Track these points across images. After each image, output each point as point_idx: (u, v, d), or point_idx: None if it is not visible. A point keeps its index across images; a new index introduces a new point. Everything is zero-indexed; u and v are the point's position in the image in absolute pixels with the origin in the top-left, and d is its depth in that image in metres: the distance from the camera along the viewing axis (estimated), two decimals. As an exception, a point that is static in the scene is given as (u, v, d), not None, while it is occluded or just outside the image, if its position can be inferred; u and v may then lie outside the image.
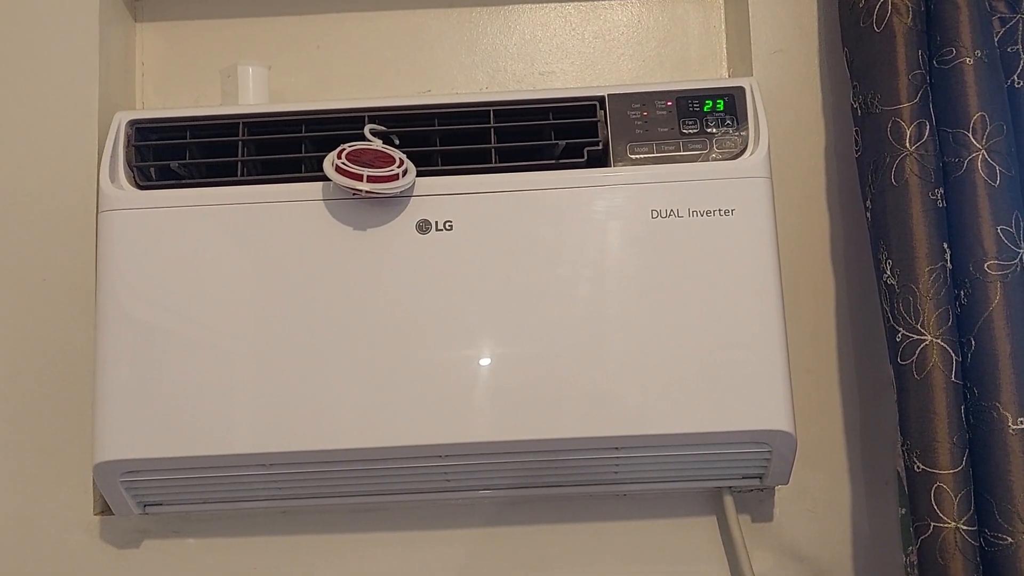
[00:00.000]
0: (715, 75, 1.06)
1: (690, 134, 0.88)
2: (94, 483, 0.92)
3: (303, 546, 0.94)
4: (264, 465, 0.84)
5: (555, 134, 0.89)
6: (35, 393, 0.94)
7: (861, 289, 0.94)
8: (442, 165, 0.88)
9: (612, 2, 1.07)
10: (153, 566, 0.93)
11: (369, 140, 0.87)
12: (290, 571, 0.93)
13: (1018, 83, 0.83)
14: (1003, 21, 0.84)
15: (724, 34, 1.06)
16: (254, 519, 0.94)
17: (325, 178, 0.84)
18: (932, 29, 0.83)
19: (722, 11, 1.07)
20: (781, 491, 0.93)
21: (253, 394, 0.83)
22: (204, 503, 0.89)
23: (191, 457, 0.83)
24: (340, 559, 0.94)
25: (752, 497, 0.93)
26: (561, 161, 0.88)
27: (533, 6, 1.07)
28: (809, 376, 0.94)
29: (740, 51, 1.02)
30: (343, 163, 0.82)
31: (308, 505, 0.91)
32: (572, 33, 1.07)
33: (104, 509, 0.93)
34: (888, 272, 0.81)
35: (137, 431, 0.83)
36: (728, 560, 0.92)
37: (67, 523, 0.93)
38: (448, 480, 0.87)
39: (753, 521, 0.93)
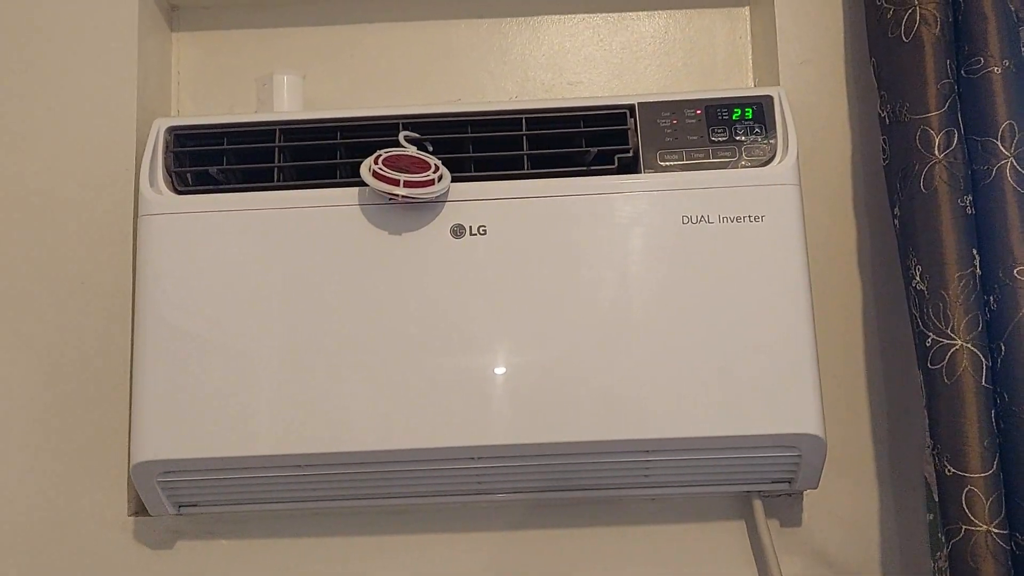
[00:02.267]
0: (741, 85, 1.08)
1: (719, 142, 0.89)
2: (129, 484, 0.94)
3: (334, 547, 0.95)
4: (297, 466, 0.85)
5: (586, 141, 0.90)
6: (72, 395, 0.95)
7: (889, 295, 0.95)
8: (475, 172, 0.90)
9: (639, 13, 1.09)
10: (186, 566, 0.94)
11: (404, 147, 0.88)
12: (321, 572, 0.94)
13: (1045, 92, 0.84)
14: (1030, 31, 0.85)
15: (750, 45, 1.08)
16: (285, 520, 0.95)
17: (360, 183, 0.86)
18: (960, 39, 0.84)
19: (748, 22, 1.08)
20: (809, 496, 0.94)
21: (287, 396, 0.84)
22: (237, 504, 0.90)
23: (226, 458, 0.85)
24: (370, 560, 0.94)
25: (781, 502, 0.94)
26: (592, 168, 0.89)
27: (561, 17, 1.09)
28: (837, 382, 0.95)
29: (767, 61, 1.03)
30: (380, 168, 0.84)
31: (339, 507, 0.92)
32: (600, 44, 1.09)
33: (139, 510, 0.95)
34: (917, 278, 0.82)
35: (174, 432, 0.84)
36: (757, 565, 0.93)
37: (102, 523, 0.94)
38: (479, 483, 0.88)
39: (782, 526, 0.94)
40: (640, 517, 0.94)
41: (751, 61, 1.08)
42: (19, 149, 0.99)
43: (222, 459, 0.85)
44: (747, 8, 1.08)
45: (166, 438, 0.84)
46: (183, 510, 0.90)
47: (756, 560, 0.93)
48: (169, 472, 0.86)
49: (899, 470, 0.93)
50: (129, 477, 0.89)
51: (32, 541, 0.94)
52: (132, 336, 0.92)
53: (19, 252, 0.97)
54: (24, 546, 0.94)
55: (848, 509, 0.93)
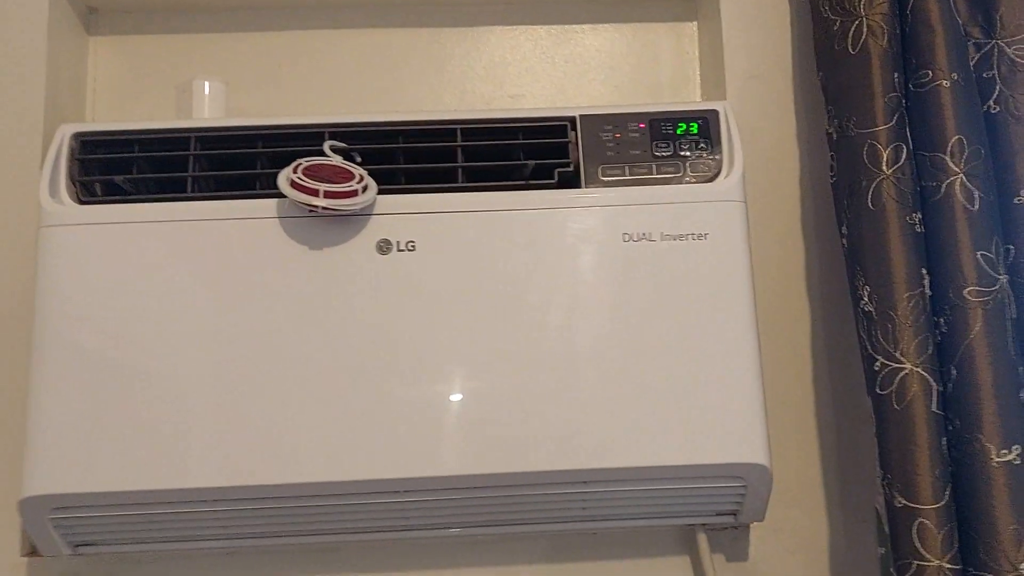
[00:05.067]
0: (688, 100, 1.04)
1: (663, 157, 0.85)
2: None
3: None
4: (203, 501, 0.78)
5: (525, 154, 0.86)
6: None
7: (839, 317, 0.92)
8: (406, 184, 0.84)
9: (584, 26, 1.05)
10: (85, 611, 0.86)
11: (329, 156, 0.83)
12: (235, 616, 0.87)
13: (994, 108, 0.82)
14: (978, 47, 0.83)
15: (697, 59, 1.05)
16: (196, 560, 0.88)
17: (280, 195, 0.80)
18: (908, 52, 0.82)
19: (695, 36, 1.05)
20: (756, 529, 0.89)
21: (199, 425, 0.78)
22: (141, 543, 0.83)
23: (129, 492, 0.77)
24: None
25: (727, 535, 0.89)
26: (531, 182, 0.85)
27: (503, 28, 1.05)
28: (785, 408, 0.91)
29: (714, 76, 1.00)
30: (299, 178, 0.78)
31: (256, 545, 0.85)
32: (543, 56, 1.05)
33: (33, 550, 0.86)
34: (865, 298, 0.78)
35: (70, 464, 0.77)
36: (701, 603, 0.88)
37: (-8, 565, 0.86)
38: (407, 518, 0.82)
39: (728, 560, 0.89)
40: (581, 553, 0.89)
41: (699, 76, 1.05)
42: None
43: (122, 493, 0.78)
44: (695, 23, 1.06)
45: (60, 470, 0.77)
46: (79, 550, 0.82)
47: (701, 597, 0.88)
48: (62, 508, 0.78)
49: (849, 502, 0.89)
50: (22, 513, 0.81)
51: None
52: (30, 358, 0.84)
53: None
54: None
55: (797, 542, 0.89)
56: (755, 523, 0.87)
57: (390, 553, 0.89)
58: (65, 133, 0.85)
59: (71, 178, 0.84)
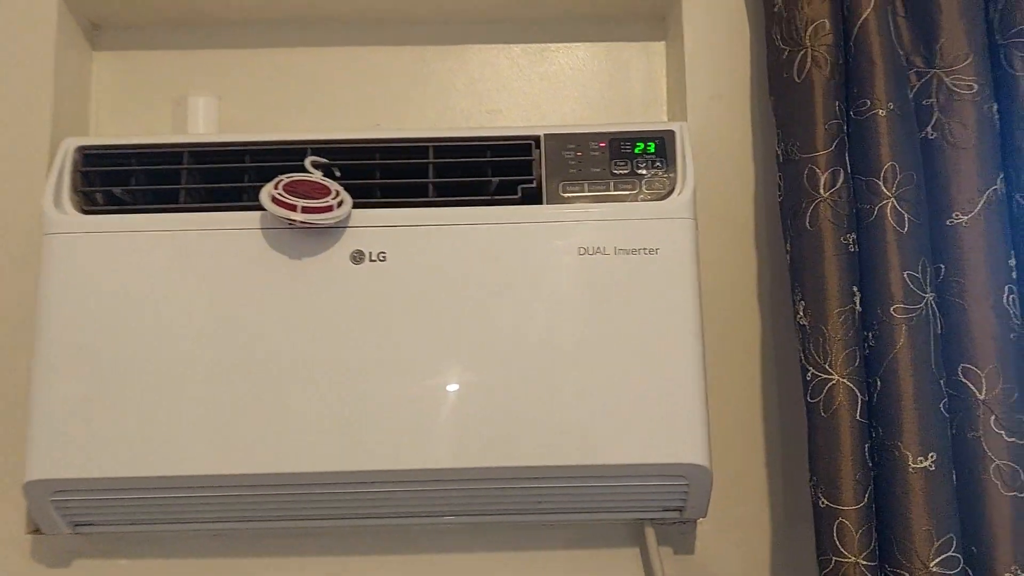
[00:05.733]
0: (656, 118, 1.10)
1: (621, 175, 0.91)
2: (28, 501, 0.94)
3: (234, 569, 0.95)
4: (189, 488, 0.85)
5: (493, 170, 0.92)
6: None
7: (785, 329, 0.97)
8: (382, 198, 0.91)
9: (558, 45, 1.11)
10: (84, 586, 0.94)
11: (310, 172, 0.89)
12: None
13: (931, 134, 0.87)
14: (919, 75, 0.88)
15: (665, 79, 1.10)
16: (185, 541, 0.95)
17: (263, 207, 0.87)
18: (850, 81, 0.87)
19: (664, 57, 1.11)
20: (703, 524, 0.95)
21: (190, 416, 0.85)
22: (135, 524, 0.91)
23: (120, 478, 0.85)
24: (270, 582, 0.95)
25: (675, 530, 0.95)
26: (496, 197, 0.91)
27: (482, 46, 1.11)
28: (733, 413, 0.96)
29: (679, 96, 1.06)
30: (279, 194, 0.85)
31: (233, 528, 0.93)
32: (519, 74, 1.10)
33: (36, 528, 0.94)
34: (801, 313, 0.84)
35: (69, 451, 0.84)
36: (651, 591, 0.94)
37: (-1, 540, 0.94)
38: (373, 506, 0.89)
39: (676, 553, 0.95)
40: (539, 542, 0.95)
41: (666, 95, 1.10)
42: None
43: (116, 479, 0.85)
44: (663, 43, 1.11)
45: (60, 457, 0.85)
46: (79, 529, 0.90)
47: (650, 587, 0.94)
48: (62, 491, 0.86)
49: (792, 500, 0.95)
50: (27, 495, 0.89)
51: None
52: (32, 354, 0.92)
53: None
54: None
55: (741, 538, 0.95)
56: (701, 519, 0.94)
57: (359, 538, 0.95)
58: (69, 146, 0.92)
59: (74, 189, 0.91)
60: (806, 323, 0.83)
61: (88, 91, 1.07)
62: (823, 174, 0.84)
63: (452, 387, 0.85)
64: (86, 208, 0.91)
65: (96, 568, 0.95)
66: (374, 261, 0.87)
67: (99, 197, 0.92)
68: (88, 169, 0.92)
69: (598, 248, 0.88)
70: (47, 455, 0.84)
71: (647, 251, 0.87)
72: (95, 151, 0.92)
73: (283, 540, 0.96)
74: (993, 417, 0.80)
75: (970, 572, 0.79)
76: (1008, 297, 0.82)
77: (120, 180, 0.92)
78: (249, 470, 0.85)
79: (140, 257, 0.88)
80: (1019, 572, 0.78)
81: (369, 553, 0.95)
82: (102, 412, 0.85)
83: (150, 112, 1.08)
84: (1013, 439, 0.80)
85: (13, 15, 1.01)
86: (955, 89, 0.86)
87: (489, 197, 0.91)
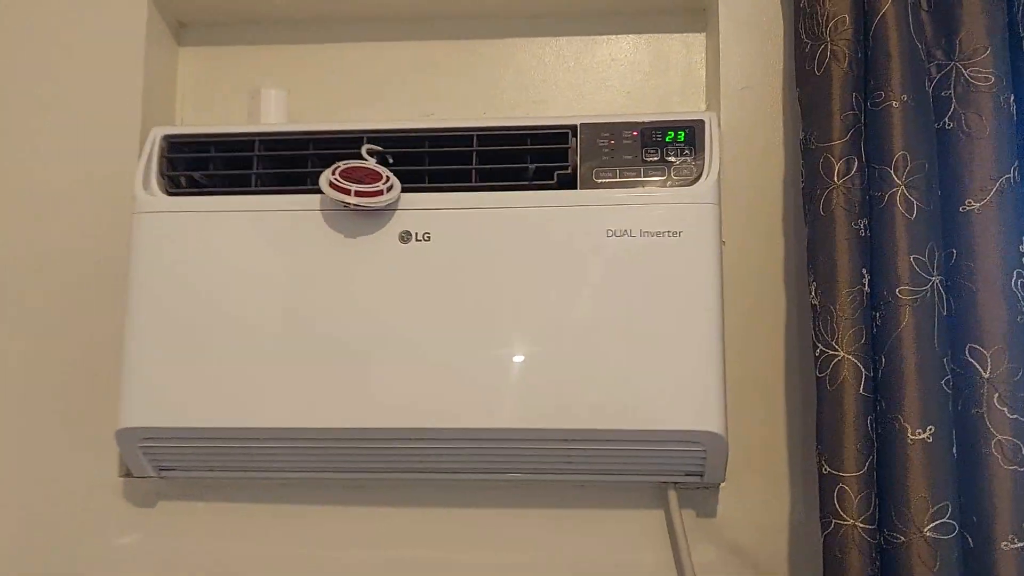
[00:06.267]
0: (695, 107, 1.15)
1: (651, 162, 0.98)
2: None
3: (298, 515, 1.06)
4: (257, 439, 0.96)
5: (532, 158, 1.00)
6: (73, 369, 1.08)
7: (807, 308, 1.02)
8: (430, 183, 1.00)
9: (601, 37, 1.17)
10: (166, 525, 1.07)
11: (365, 159, 0.99)
12: (288, 536, 1.05)
13: (948, 124, 0.91)
14: (939, 67, 0.92)
15: (704, 69, 1.16)
16: (255, 488, 1.07)
17: (322, 191, 0.96)
18: (868, 74, 0.91)
19: (703, 48, 1.16)
20: (724, 489, 1.01)
21: (262, 374, 0.95)
22: (211, 470, 1.02)
23: (198, 428, 0.96)
24: (329, 527, 1.05)
25: (698, 494, 1.02)
26: (533, 183, 0.98)
27: (529, 39, 1.18)
28: (755, 387, 1.02)
29: (713, 86, 1.11)
30: (336, 179, 0.94)
31: (303, 478, 1.04)
32: (563, 65, 1.18)
33: (127, 472, 1.07)
34: (813, 293, 0.89)
35: (155, 403, 0.96)
36: (672, 551, 1.01)
37: (94, 483, 1.07)
38: (423, 462, 0.98)
39: (698, 516, 1.02)
40: (570, 502, 1.03)
41: (705, 84, 1.15)
42: (35, 153, 1.12)
43: (198, 429, 0.96)
44: (703, 35, 1.16)
45: (147, 408, 0.97)
46: (163, 473, 1.02)
47: (672, 546, 1.01)
48: (149, 439, 0.98)
49: (808, 468, 1.00)
50: (119, 442, 1.02)
51: (30, 497, 1.07)
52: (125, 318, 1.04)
53: (34, 241, 1.11)
54: (23, 501, 1.07)
55: (760, 503, 1.01)
56: (723, 484, 1.00)
57: (407, 491, 1.05)
58: (156, 135, 1.04)
59: (161, 173, 1.02)
60: (817, 303, 0.88)
61: (174, 84, 1.19)
62: (837, 162, 0.89)
63: (490, 355, 0.93)
64: (171, 190, 1.02)
65: (178, 509, 1.07)
66: (419, 241, 0.96)
67: (182, 180, 1.03)
68: (173, 156, 1.03)
69: (625, 230, 0.95)
70: (137, 406, 0.97)
71: (671, 233, 0.94)
72: (179, 139, 1.04)
73: (341, 491, 1.06)
74: (997, 395, 0.84)
75: (970, 539, 0.84)
76: (1016, 281, 0.86)
77: (200, 166, 1.03)
78: (316, 424, 0.95)
79: (218, 233, 0.99)
80: (1016, 541, 0.82)
81: (418, 505, 1.05)
82: (186, 368, 0.96)
83: (228, 103, 1.19)
84: (1016, 416, 0.84)
85: (107, 16, 1.13)
86: (973, 81, 0.90)
87: (527, 182, 0.99)
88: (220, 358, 0.96)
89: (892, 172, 0.87)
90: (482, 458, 0.97)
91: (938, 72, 0.92)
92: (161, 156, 1.03)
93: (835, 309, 0.86)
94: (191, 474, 1.03)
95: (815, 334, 0.88)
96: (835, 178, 0.89)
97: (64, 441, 1.08)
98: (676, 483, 1.00)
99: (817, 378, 0.88)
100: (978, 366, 0.86)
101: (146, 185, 1.01)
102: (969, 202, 0.88)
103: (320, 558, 1.05)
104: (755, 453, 1.01)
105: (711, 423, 0.91)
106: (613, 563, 1.02)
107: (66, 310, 1.09)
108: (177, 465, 1.02)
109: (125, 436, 0.97)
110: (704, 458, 0.94)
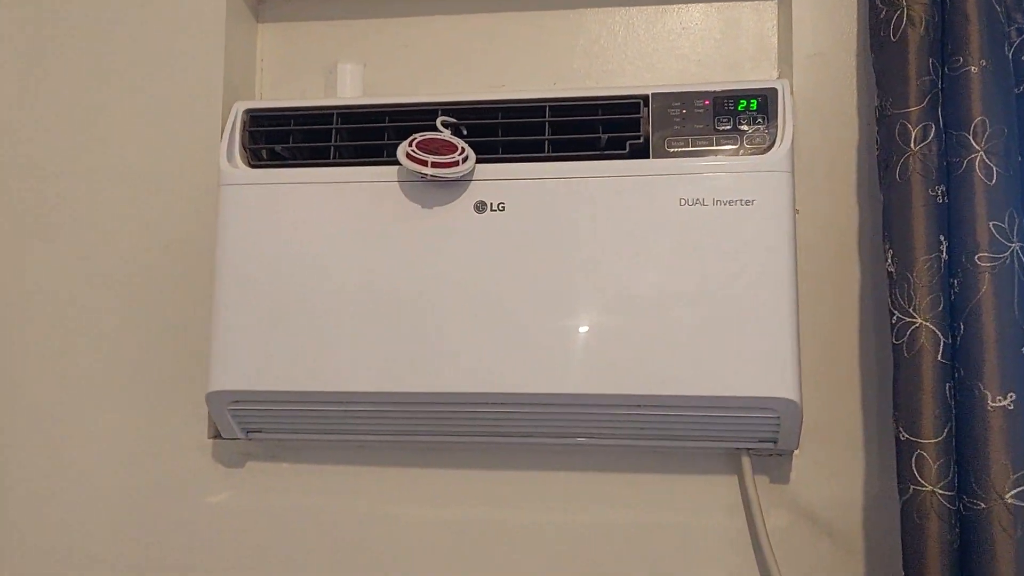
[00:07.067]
0: (767, 75, 1.15)
1: (723, 131, 0.98)
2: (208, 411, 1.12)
3: (376, 476, 1.10)
4: (340, 403, 1.00)
5: (604, 128, 1.01)
6: (165, 335, 1.14)
7: (881, 275, 1.02)
8: (503, 154, 1.01)
9: (671, 6, 1.17)
10: (253, 484, 1.12)
11: (440, 130, 1.01)
12: (364, 496, 1.10)
13: (1030, 89, 0.89)
14: (1020, 31, 0.90)
15: (776, 37, 1.15)
16: (336, 449, 1.11)
17: (399, 163, 0.99)
18: (946, 38, 0.90)
19: (775, 15, 1.15)
20: (798, 456, 1.02)
21: (345, 340, 0.98)
22: (295, 432, 1.07)
23: (289, 392, 1.00)
24: (406, 488, 1.09)
25: (771, 460, 1.03)
26: (605, 152, 1.00)
27: (599, 9, 1.18)
28: (831, 355, 1.03)
29: (787, 53, 1.10)
30: (413, 150, 0.97)
31: (382, 441, 1.07)
32: (634, 35, 1.18)
33: (216, 434, 1.12)
34: (889, 260, 0.89)
35: (244, 367, 1.00)
36: (745, 516, 1.03)
37: (185, 444, 1.13)
38: (496, 427, 1.01)
39: (771, 482, 1.03)
40: (644, 466, 1.05)
41: (776, 52, 1.15)
42: (125, 131, 1.17)
43: (283, 392, 1.01)
44: (775, 1, 1.15)
45: (235, 372, 1.01)
46: (251, 435, 1.07)
47: (745, 511, 1.03)
48: (237, 402, 1.02)
49: (883, 435, 1.01)
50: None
51: (126, 458, 1.14)
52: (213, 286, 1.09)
53: (129, 216, 1.16)
54: (119, 462, 1.14)
55: (833, 470, 1.02)
56: (796, 451, 1.01)
57: (478, 454, 1.08)
58: (239, 109, 1.07)
59: (243, 146, 1.06)
60: (893, 270, 0.88)
61: (254, 60, 1.23)
62: (914, 129, 0.88)
63: (564, 322, 0.95)
64: (253, 163, 1.06)
65: (264, 469, 1.12)
66: (495, 211, 0.98)
67: (264, 153, 1.07)
68: (255, 129, 1.07)
69: (697, 199, 0.95)
70: (226, 370, 1.01)
71: (744, 202, 0.94)
72: (260, 113, 1.07)
73: (417, 453, 1.10)
74: (1079, 362, 0.83)
75: (1049, 507, 0.84)
76: (1100, 247, 0.85)
77: (281, 138, 1.07)
78: (394, 388, 0.98)
79: (299, 203, 1.02)
80: (1096, 509, 0.81)
81: (490, 468, 1.08)
82: (272, 334, 1.00)
83: (306, 78, 1.22)
84: (1097, 383, 0.83)
85: (189, -5, 1.18)
86: (1057, 43, 0.88)
87: (599, 152, 1.00)
88: (303, 325, 1.00)
89: (971, 138, 0.86)
90: (557, 422, 0.99)
91: (1018, 36, 0.90)
92: (243, 129, 1.06)
93: (912, 276, 0.86)
94: (277, 436, 1.08)
95: (891, 301, 0.88)
96: (912, 144, 0.88)
97: (158, 404, 1.13)
98: (750, 449, 1.01)
99: (893, 345, 0.88)
100: (1059, 333, 0.85)
101: (230, 158, 1.05)
102: (1051, 167, 0.87)
103: (397, 516, 1.09)
104: (829, 420, 1.02)
105: (786, 389, 0.91)
106: (685, 527, 1.04)
107: (159, 279, 1.15)
108: (264, 427, 1.07)
109: (215, 399, 1.02)
110: (778, 425, 0.95)
